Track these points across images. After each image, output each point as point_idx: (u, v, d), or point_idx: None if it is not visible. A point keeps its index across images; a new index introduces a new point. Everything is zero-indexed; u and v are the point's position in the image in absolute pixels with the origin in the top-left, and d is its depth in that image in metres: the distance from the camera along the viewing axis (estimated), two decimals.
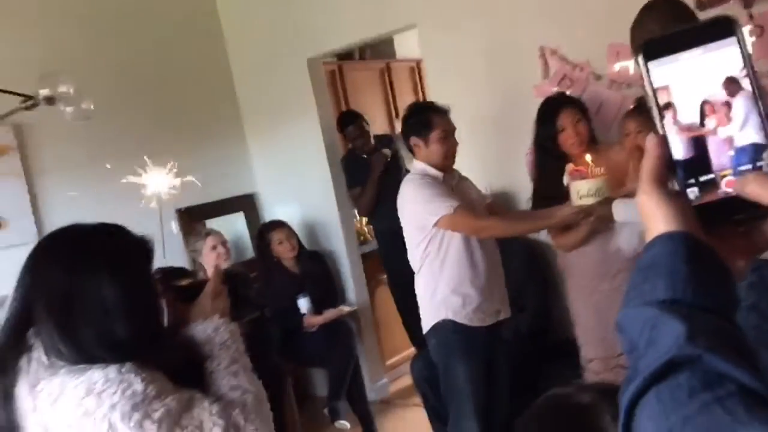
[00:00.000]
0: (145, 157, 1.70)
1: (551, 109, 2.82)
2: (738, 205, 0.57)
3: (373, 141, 4.51)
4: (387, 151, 4.41)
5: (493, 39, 3.56)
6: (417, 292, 2.86)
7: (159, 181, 1.70)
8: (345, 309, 4.16)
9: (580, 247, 2.80)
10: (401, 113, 5.27)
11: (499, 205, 3.03)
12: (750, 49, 0.58)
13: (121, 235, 1.29)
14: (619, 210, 2.31)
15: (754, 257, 0.59)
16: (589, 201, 2.42)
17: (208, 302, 1.37)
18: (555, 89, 3.35)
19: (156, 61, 4.16)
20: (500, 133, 3.58)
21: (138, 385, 1.18)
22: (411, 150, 2.82)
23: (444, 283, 2.73)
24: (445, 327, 2.74)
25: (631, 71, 3.17)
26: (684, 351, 0.48)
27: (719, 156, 0.59)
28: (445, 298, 2.73)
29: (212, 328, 1.34)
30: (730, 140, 0.58)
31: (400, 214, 2.83)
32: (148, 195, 1.68)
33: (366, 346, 4.37)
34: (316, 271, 4.14)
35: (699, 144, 0.59)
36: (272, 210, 4.60)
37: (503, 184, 3.55)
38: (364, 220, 4.86)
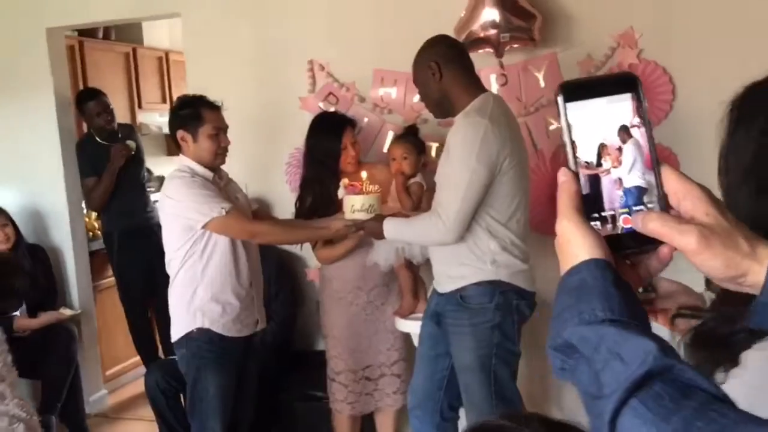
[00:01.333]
0: None
1: (337, 127, 2.86)
2: (630, 240, 0.64)
3: (116, 125, 4.10)
4: (132, 143, 4.03)
5: (263, 42, 3.48)
6: (171, 296, 2.64)
7: None
8: (66, 312, 3.68)
9: (340, 260, 2.85)
10: (144, 103, 5.06)
11: (265, 212, 2.94)
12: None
13: None
14: (390, 227, 2.39)
15: (638, 287, 0.66)
16: (362, 216, 2.49)
17: None
18: (321, 104, 3.37)
19: None
20: (262, 139, 3.49)
21: None
22: (177, 144, 2.61)
23: (203, 289, 2.56)
24: (199, 336, 2.57)
25: (393, 97, 3.32)
26: (660, 362, 0.52)
27: (611, 194, 0.65)
28: (203, 305, 2.57)
29: None
30: (619, 181, 0.65)
31: (161, 211, 2.60)
32: None
33: (85, 354, 3.91)
34: (35, 267, 3.61)
35: (594, 181, 0.65)
36: None
37: (260, 190, 3.45)
38: (94, 214, 4.37)
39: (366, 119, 3.34)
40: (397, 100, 3.32)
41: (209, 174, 2.59)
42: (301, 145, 3.23)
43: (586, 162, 0.65)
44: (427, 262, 2.74)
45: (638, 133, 0.64)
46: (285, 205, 3.31)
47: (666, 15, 2.98)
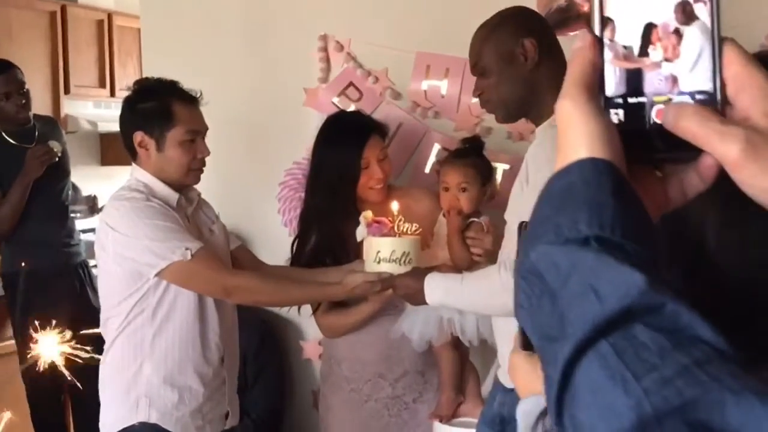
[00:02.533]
0: None
1: (358, 134, 2.88)
2: (663, 141, 0.65)
3: (31, 118, 4.18)
4: (56, 146, 4.10)
5: (255, 6, 3.56)
6: (103, 372, 2.69)
7: None
8: None
9: (354, 332, 2.87)
10: (73, 87, 5.16)
11: (250, 254, 2.97)
12: None
13: None
14: (435, 287, 2.40)
15: (664, 210, 0.70)
16: (391, 268, 2.50)
17: None
18: (336, 99, 3.43)
19: None
20: (247, 147, 3.55)
21: None
22: (132, 150, 2.67)
23: (153, 366, 2.59)
24: None
25: (443, 93, 3.36)
26: (647, 299, 0.55)
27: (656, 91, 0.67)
28: (151, 390, 2.59)
29: None
30: (673, 80, 0.65)
31: (99, 248, 2.65)
32: None
33: None
34: None
35: (634, 78, 0.66)
36: None
37: (240, 222, 3.48)
38: None
39: (401, 124, 3.39)
40: (449, 99, 3.37)
41: (173, 196, 2.63)
42: (303, 159, 3.28)
43: (624, 47, 0.66)
44: (483, 343, 2.75)
45: (704, 12, 0.64)
46: (276, 245, 3.34)
47: None
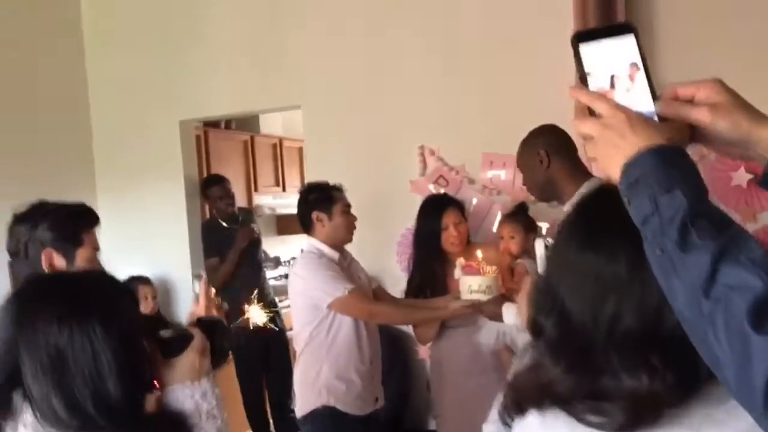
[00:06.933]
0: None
1: (437, 207, 2.89)
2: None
3: (236, 209, 4.34)
4: (256, 227, 4.24)
5: (376, 131, 3.64)
6: (296, 372, 2.72)
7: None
8: None
9: (450, 341, 2.83)
10: (260, 187, 5.34)
11: (384, 290, 3.00)
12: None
13: (110, 283, 1.11)
14: (510, 313, 2.37)
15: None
16: (480, 297, 2.46)
17: (196, 360, 1.18)
18: (431, 186, 3.46)
19: (15, 105, 3.77)
20: (374, 221, 3.57)
21: None
22: (309, 226, 2.73)
23: (328, 367, 2.62)
24: (324, 414, 2.61)
25: (502, 178, 3.37)
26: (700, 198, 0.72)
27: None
28: (328, 383, 2.62)
29: (200, 393, 1.15)
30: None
31: (290, 291, 2.71)
32: None
33: None
34: None
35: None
36: (112, 270, 4.18)
37: (373, 269, 3.52)
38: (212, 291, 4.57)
39: (475, 200, 3.40)
40: (506, 182, 3.36)
41: (335, 255, 2.69)
42: (411, 226, 3.32)
43: (600, 88, 0.82)
44: None
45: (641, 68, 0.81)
46: (395, 283, 3.35)
47: None
